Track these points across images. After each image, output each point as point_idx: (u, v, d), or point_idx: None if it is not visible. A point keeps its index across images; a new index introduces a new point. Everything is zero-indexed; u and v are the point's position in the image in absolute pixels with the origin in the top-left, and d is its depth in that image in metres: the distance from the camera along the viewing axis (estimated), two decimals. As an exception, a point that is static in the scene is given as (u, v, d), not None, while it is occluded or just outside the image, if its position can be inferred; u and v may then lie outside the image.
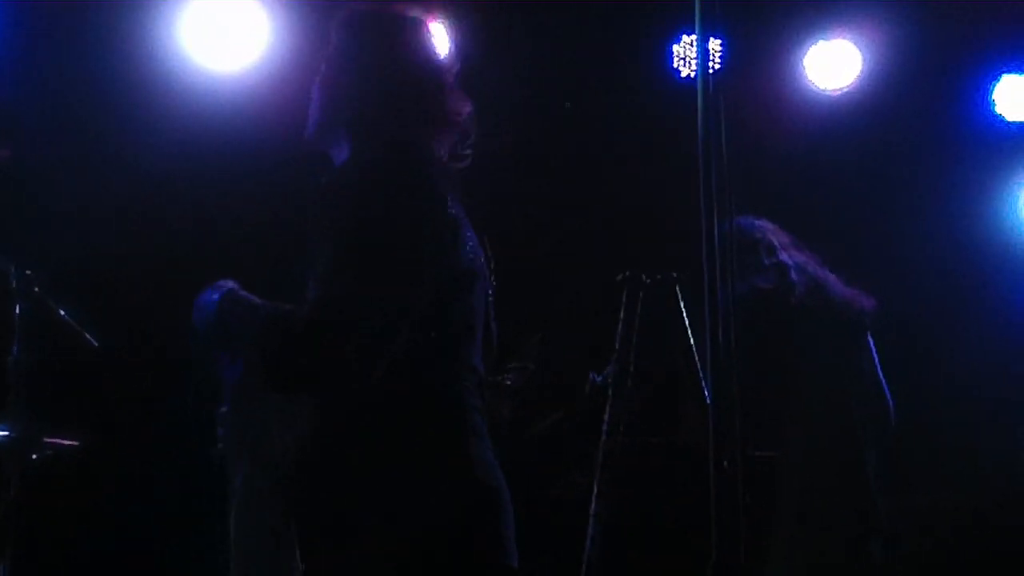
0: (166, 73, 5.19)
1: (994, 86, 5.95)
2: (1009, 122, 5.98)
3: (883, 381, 4.64)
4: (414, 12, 3.06)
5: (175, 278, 5.15)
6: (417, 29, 3.04)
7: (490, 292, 2.94)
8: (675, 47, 5.70)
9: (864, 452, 4.53)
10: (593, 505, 4.19)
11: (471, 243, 2.88)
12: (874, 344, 4.67)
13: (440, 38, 3.07)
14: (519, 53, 5.61)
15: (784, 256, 4.62)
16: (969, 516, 5.42)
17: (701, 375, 4.17)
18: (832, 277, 4.68)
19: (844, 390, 4.53)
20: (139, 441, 5.25)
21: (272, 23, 5.24)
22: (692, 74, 5.63)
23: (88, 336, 4.36)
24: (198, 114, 5.16)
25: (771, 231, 4.69)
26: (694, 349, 4.21)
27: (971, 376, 5.77)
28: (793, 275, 4.59)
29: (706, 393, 3.92)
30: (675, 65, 5.72)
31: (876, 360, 4.64)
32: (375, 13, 3.06)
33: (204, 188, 5.19)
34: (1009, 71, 5.95)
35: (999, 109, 5.96)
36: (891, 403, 4.63)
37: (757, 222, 4.69)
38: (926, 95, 5.93)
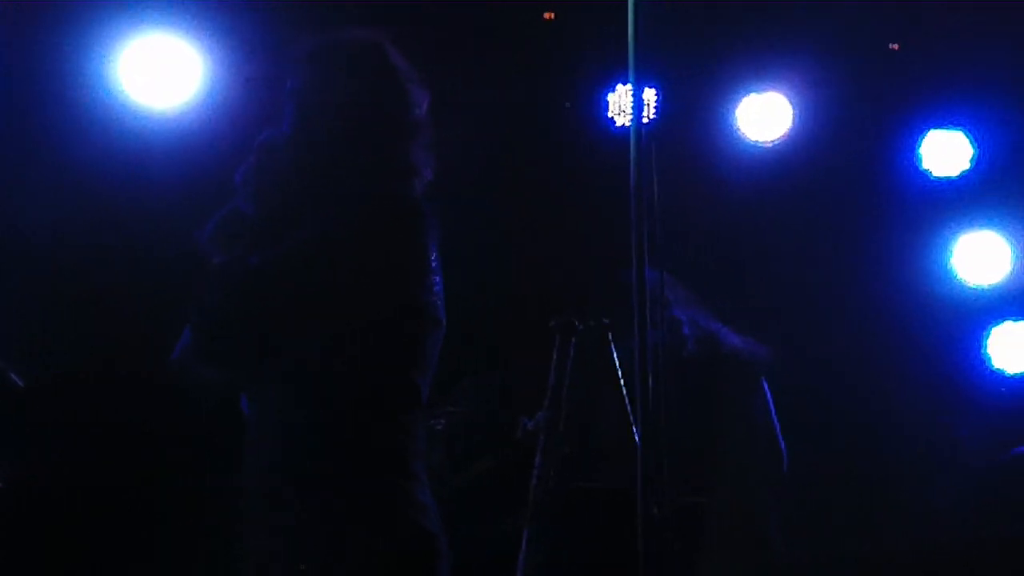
0: (104, 110, 5.19)
1: (921, 141, 6.05)
2: (936, 178, 6.08)
3: (777, 429, 4.70)
4: (375, 36, 3.06)
5: (107, 317, 5.13)
6: (386, 54, 3.05)
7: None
8: (611, 96, 5.75)
9: (761, 500, 4.58)
10: (523, 551, 4.18)
11: (438, 288, 2.89)
12: (771, 393, 4.74)
13: (400, 57, 3.07)
14: (453, 97, 5.63)
15: (677, 311, 4.70)
16: (874, 565, 5.47)
17: (632, 421, 4.18)
18: (724, 329, 4.76)
19: (737, 439, 4.58)
20: (65, 481, 5.18)
21: (205, 63, 5.26)
22: (628, 123, 5.68)
23: (14, 376, 4.31)
24: (135, 150, 5.17)
25: (665, 285, 4.75)
26: (625, 395, 4.23)
27: (890, 426, 5.84)
28: (685, 329, 4.67)
29: (637, 439, 3.93)
30: (610, 114, 5.77)
31: (771, 408, 4.71)
32: (346, 45, 3.04)
33: (139, 224, 5.17)
34: (936, 126, 6.06)
35: (926, 164, 6.06)
36: (784, 450, 4.69)
37: (650, 275, 4.74)
38: (854, 149, 6.03)
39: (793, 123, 5.90)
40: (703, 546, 4.39)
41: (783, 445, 4.68)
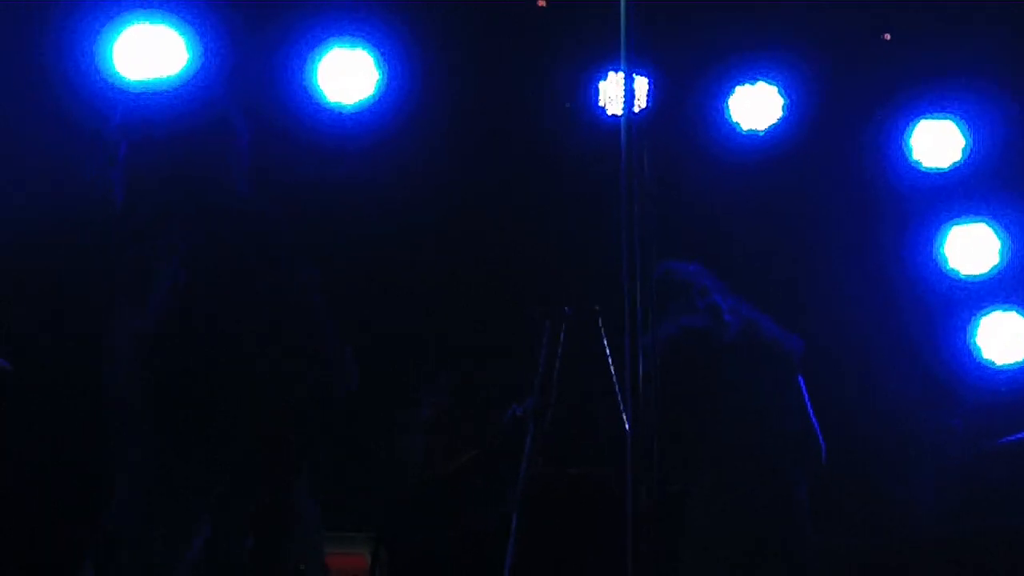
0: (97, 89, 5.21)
1: (911, 131, 6.05)
2: (926, 169, 6.09)
3: (815, 421, 4.70)
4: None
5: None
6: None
7: None
8: (602, 84, 5.75)
9: (794, 490, 4.59)
10: (512, 537, 4.19)
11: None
12: (804, 385, 4.75)
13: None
14: (448, 84, 5.65)
15: (717, 297, 4.71)
16: (861, 555, 5.49)
17: (622, 409, 4.19)
18: (764, 318, 4.77)
19: (772, 428, 4.59)
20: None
21: (192, 46, 5.31)
22: (619, 112, 5.66)
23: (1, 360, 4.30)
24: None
25: (703, 274, 4.78)
26: (615, 383, 4.24)
27: (878, 416, 5.85)
28: (727, 316, 4.68)
29: (626, 427, 3.94)
30: (601, 103, 5.77)
31: (807, 400, 4.71)
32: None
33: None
34: (928, 116, 6.06)
35: (916, 155, 6.07)
36: (823, 443, 4.69)
37: (689, 267, 4.78)
38: (846, 139, 6.04)
39: (784, 113, 5.91)
40: (723, 529, 4.41)
41: (822, 440, 4.68)
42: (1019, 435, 5.67)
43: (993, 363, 6.09)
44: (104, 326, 3.17)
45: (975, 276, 6.15)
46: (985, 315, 6.13)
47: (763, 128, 5.93)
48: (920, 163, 6.08)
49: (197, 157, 3.18)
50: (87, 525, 3.33)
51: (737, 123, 5.91)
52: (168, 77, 5.23)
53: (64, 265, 5.14)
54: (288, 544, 2.93)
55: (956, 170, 6.09)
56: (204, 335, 2.96)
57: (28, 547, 4.95)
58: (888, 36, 5.99)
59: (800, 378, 4.72)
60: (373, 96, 5.54)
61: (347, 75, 5.51)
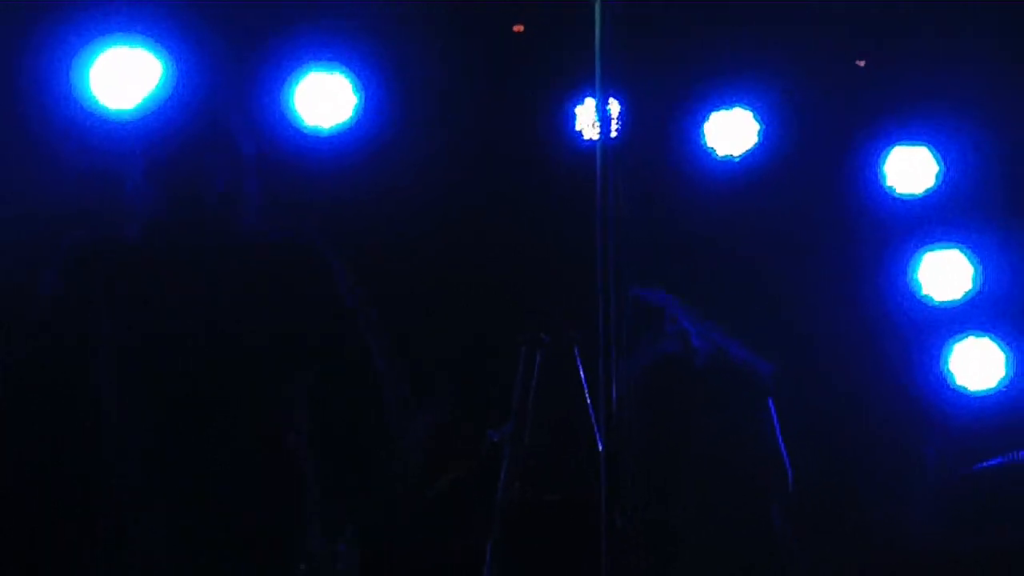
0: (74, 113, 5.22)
1: (885, 157, 6.09)
2: (900, 195, 6.12)
3: (782, 447, 4.73)
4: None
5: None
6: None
7: None
8: (579, 109, 5.77)
9: (771, 510, 4.62)
10: (487, 564, 4.18)
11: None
12: (775, 411, 4.77)
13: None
14: (425, 109, 5.66)
15: (686, 323, 4.74)
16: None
17: (597, 434, 4.20)
18: (733, 343, 4.80)
19: (749, 450, 4.62)
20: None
21: (169, 70, 5.30)
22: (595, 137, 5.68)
23: None
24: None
25: (670, 301, 4.82)
26: (591, 408, 4.24)
27: (851, 443, 5.86)
28: (695, 341, 4.70)
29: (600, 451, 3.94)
30: (578, 128, 5.79)
31: (777, 426, 4.74)
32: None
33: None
34: (902, 143, 6.09)
35: (890, 181, 6.10)
36: (789, 469, 4.72)
37: (657, 293, 4.82)
38: (820, 165, 6.07)
39: (760, 138, 5.94)
40: (705, 553, 4.43)
41: (788, 465, 4.71)
42: (994, 461, 5.69)
43: (967, 389, 6.11)
44: (105, 328, 3.17)
45: (949, 302, 6.17)
46: (959, 341, 6.15)
47: (738, 154, 5.95)
48: (894, 189, 6.11)
49: (201, 166, 3.20)
50: (87, 525, 3.34)
51: (712, 148, 5.94)
52: (154, 100, 5.25)
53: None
54: (289, 543, 2.93)
55: (930, 196, 6.12)
56: (207, 337, 2.96)
57: (28, 547, 4.92)
58: (863, 63, 6.03)
59: (771, 401, 4.75)
60: (351, 120, 5.56)
61: (325, 99, 5.52)
